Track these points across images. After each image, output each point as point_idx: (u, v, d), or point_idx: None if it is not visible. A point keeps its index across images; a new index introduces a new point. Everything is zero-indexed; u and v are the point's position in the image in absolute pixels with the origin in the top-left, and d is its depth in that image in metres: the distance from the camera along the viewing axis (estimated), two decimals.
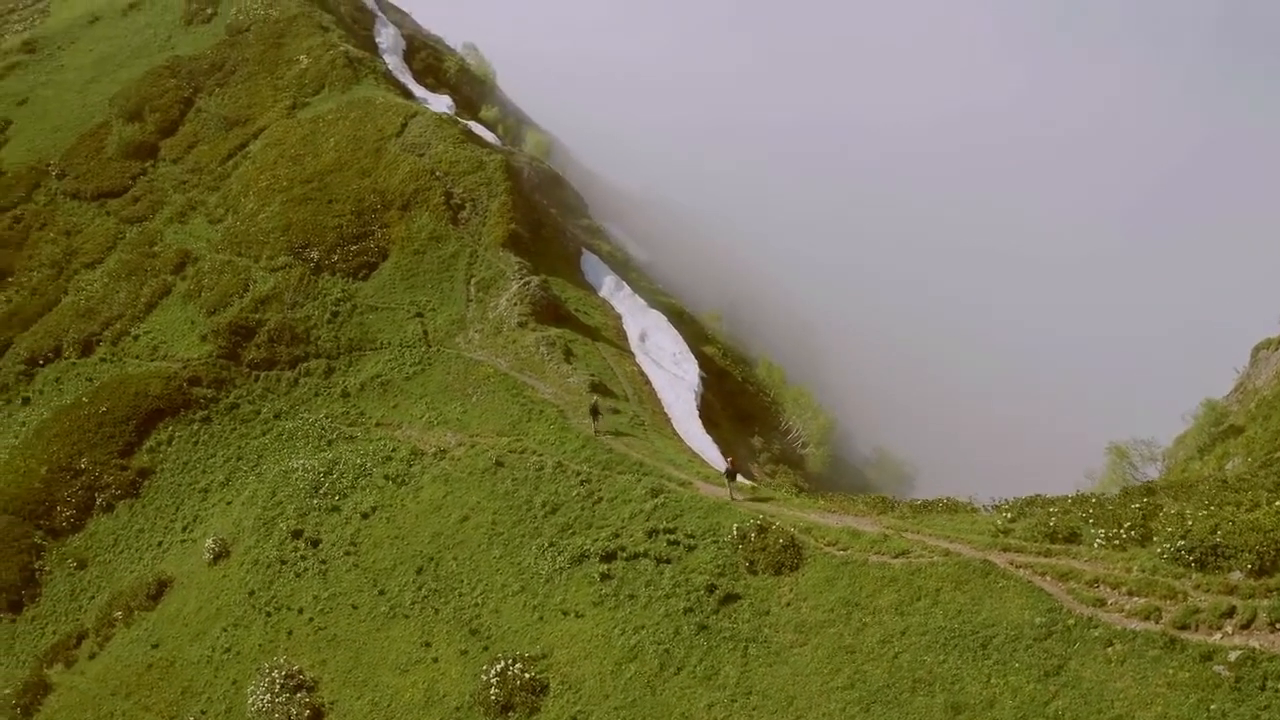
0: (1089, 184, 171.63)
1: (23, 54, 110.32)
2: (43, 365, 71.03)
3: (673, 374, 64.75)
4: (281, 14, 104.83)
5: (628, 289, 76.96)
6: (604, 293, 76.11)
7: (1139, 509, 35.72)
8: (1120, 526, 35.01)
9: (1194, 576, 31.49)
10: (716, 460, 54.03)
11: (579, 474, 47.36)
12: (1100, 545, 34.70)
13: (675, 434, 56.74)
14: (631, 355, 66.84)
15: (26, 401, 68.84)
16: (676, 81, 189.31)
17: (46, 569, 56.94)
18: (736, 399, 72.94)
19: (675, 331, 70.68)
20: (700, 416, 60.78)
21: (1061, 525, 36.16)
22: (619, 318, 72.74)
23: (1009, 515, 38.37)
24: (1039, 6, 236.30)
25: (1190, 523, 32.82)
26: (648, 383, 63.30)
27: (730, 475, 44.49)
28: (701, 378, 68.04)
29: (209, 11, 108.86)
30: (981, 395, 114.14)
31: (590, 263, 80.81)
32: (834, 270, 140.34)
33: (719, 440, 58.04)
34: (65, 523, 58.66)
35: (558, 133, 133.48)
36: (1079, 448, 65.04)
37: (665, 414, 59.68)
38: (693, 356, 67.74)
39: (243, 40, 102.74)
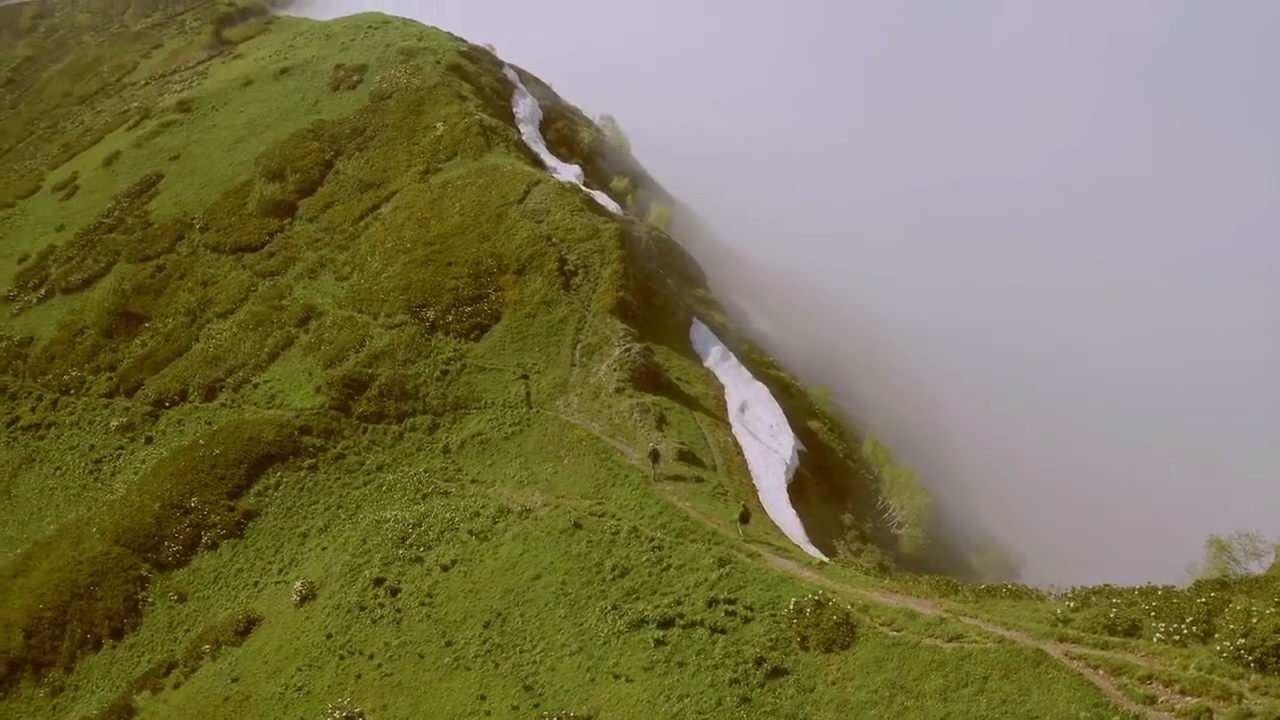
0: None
1: (178, 113, 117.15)
2: (168, 407, 74.61)
3: (767, 446, 64.73)
4: (423, 83, 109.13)
5: (734, 360, 77.25)
6: (709, 363, 76.56)
7: (1204, 604, 34.68)
8: (1182, 621, 34.05)
9: (1252, 678, 30.49)
10: (797, 534, 54.01)
11: (652, 540, 47.82)
12: (1159, 640, 33.80)
13: (759, 506, 56.78)
14: (728, 426, 67.07)
15: (149, 440, 72.36)
16: (805, 154, 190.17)
17: (149, 600, 59.45)
18: (834, 475, 72.46)
19: (775, 404, 70.67)
20: (789, 491, 60.66)
21: (1122, 617, 35.29)
22: (721, 388, 73.04)
23: (1071, 604, 37.60)
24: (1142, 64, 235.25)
25: (1255, 620, 31.81)
26: (740, 453, 63.44)
27: (744, 519, 49.12)
28: (800, 452, 67.90)
29: (355, 79, 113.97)
30: (1104, 478, 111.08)
31: (700, 333, 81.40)
32: (962, 342, 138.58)
33: (803, 514, 57.84)
34: (171, 557, 61.20)
35: (692, 205, 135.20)
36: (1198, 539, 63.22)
37: (753, 485, 59.73)
38: (789, 430, 67.60)
39: (384, 107, 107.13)
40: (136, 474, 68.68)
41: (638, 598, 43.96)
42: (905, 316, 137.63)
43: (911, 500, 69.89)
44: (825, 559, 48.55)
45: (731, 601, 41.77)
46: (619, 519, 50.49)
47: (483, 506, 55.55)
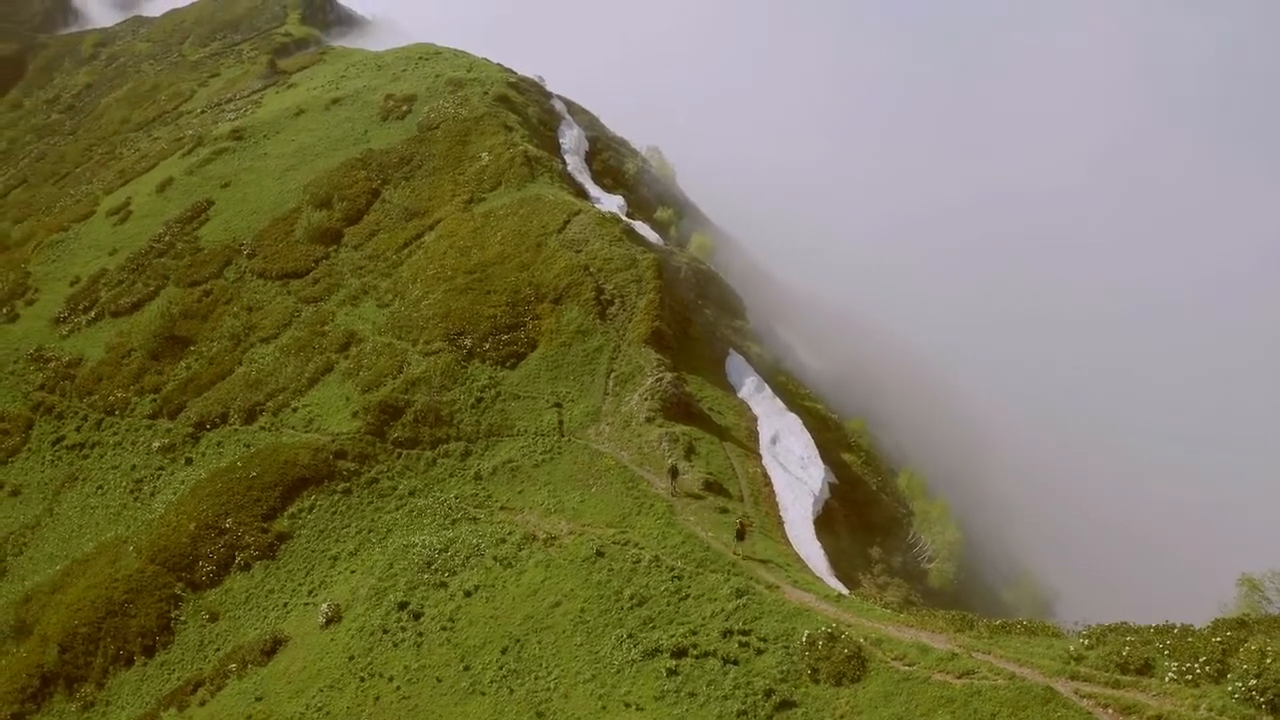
0: None
1: (231, 140, 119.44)
2: (209, 429, 75.83)
3: (796, 478, 64.68)
4: (470, 113, 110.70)
5: (768, 391, 77.34)
6: (743, 393, 76.70)
7: (1220, 643, 34.29)
8: (1196, 660, 33.67)
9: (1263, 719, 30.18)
10: (820, 567, 53.95)
11: (672, 569, 47.97)
12: (1172, 679, 33.42)
13: (784, 538, 56.78)
14: (758, 457, 67.12)
15: (189, 462, 73.55)
16: (849, 180, 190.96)
17: (182, 619, 60.31)
18: (866, 508, 72.18)
19: (808, 436, 70.63)
20: (818, 523, 60.58)
21: (1135, 655, 34.97)
22: (755, 419, 73.10)
23: (1085, 641, 37.28)
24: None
25: (1269, 661, 31.46)
26: (769, 485, 63.43)
27: (740, 535, 49.74)
28: (831, 484, 67.83)
29: (404, 109, 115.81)
30: (1148, 506, 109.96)
31: (735, 363, 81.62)
32: (1008, 367, 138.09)
33: (829, 547, 57.75)
34: (205, 577, 62.08)
35: (739, 235, 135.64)
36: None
37: (780, 517, 59.71)
38: (820, 462, 67.51)
39: (432, 137, 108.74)
40: (175, 494, 69.83)
41: (654, 626, 44.10)
42: (949, 343, 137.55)
43: (942, 534, 69.45)
44: (844, 592, 48.43)
45: (746, 632, 41.80)
46: (641, 548, 50.71)
47: (509, 533, 55.93)
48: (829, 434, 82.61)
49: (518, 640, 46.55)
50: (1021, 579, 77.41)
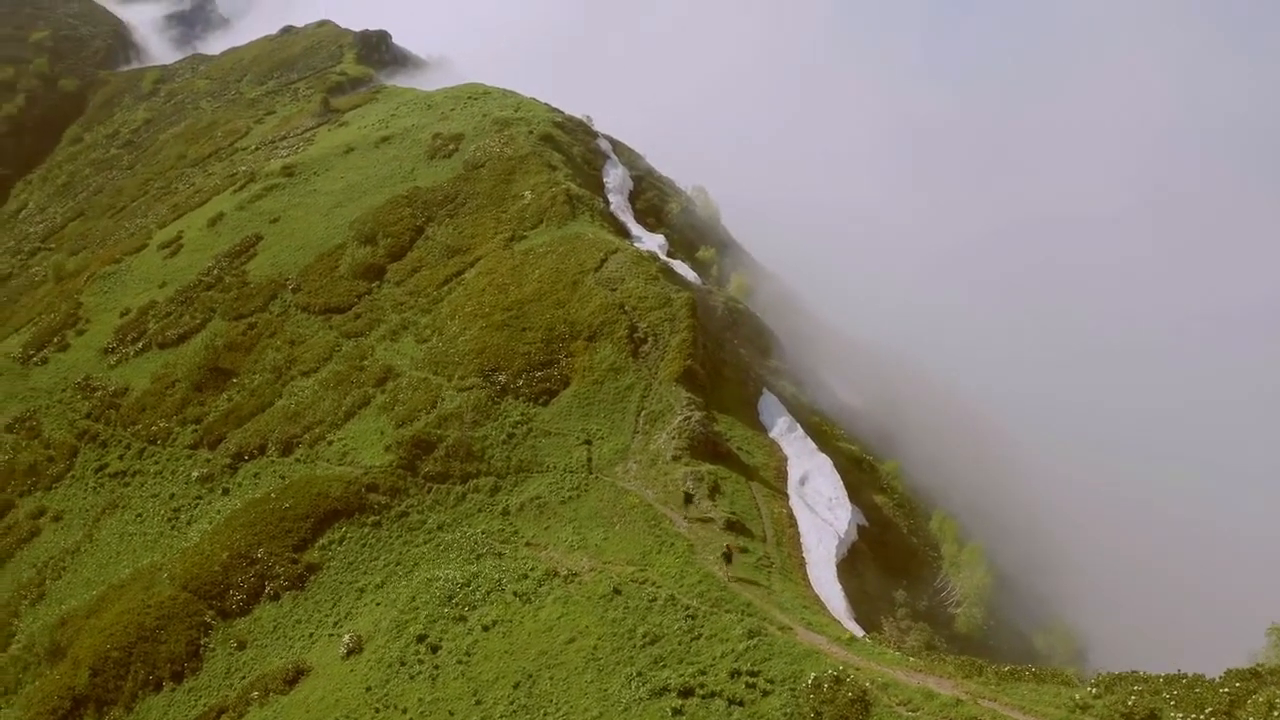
0: None
1: (282, 177, 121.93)
2: (247, 460, 77.19)
3: (822, 519, 64.63)
4: (515, 152, 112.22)
5: (800, 431, 77.35)
6: (774, 433, 76.77)
7: (1228, 693, 34.10)
8: (1201, 711, 33.52)
9: None
10: (839, 609, 53.85)
11: (687, 609, 48.19)
12: None
13: (804, 579, 56.71)
14: (785, 497, 67.14)
15: (226, 492, 74.91)
16: (892, 224, 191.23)
17: (211, 646, 61.25)
18: (894, 551, 71.87)
19: (837, 477, 70.56)
20: (842, 565, 60.44)
21: (1141, 705, 34.81)
22: (784, 459, 73.11)
23: (1094, 690, 37.13)
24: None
25: (1276, 713, 31.30)
26: (794, 525, 63.38)
27: (727, 558, 52.93)
28: (860, 526, 67.75)
29: (451, 148, 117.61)
30: (1192, 547, 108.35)
31: (768, 403, 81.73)
32: (1049, 406, 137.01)
33: (851, 589, 57.60)
34: (235, 606, 63.07)
35: (784, 274, 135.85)
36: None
37: (801, 558, 59.64)
38: (848, 504, 67.39)
39: (476, 175, 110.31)
40: (211, 524, 71.06)
41: (664, 665, 44.30)
42: (992, 380, 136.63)
43: (970, 578, 68.98)
44: (857, 635, 48.32)
45: (754, 674, 41.88)
46: (659, 586, 50.99)
47: (531, 569, 56.40)
48: (862, 475, 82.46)
49: (530, 676, 46.93)
50: (1054, 624, 76.55)
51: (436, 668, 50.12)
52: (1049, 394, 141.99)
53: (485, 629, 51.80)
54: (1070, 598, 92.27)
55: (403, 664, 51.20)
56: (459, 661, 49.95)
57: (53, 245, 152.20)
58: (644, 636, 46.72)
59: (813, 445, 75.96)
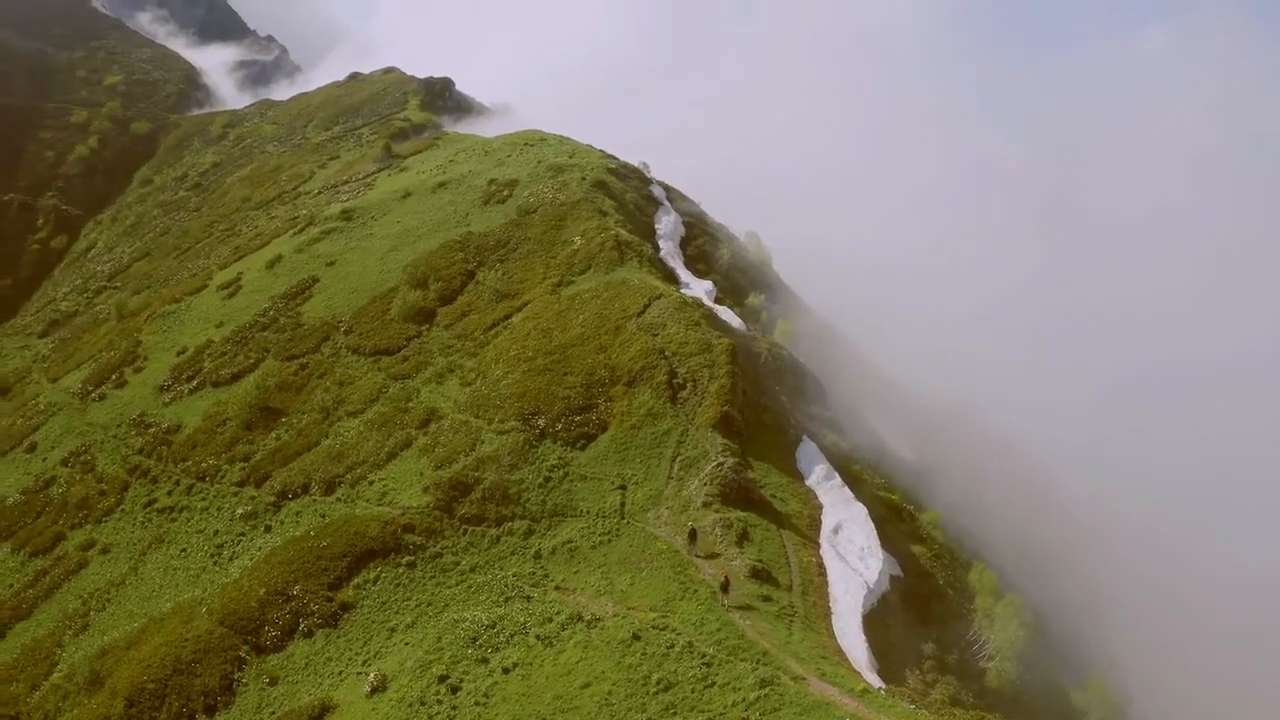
0: None
1: (340, 220, 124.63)
2: (290, 499, 78.54)
3: (853, 569, 64.37)
4: (567, 198, 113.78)
5: (837, 480, 77.08)
6: (811, 481, 76.57)
7: None
8: None
9: None
10: (861, 660, 53.60)
11: (704, 656, 48.29)
12: None
13: (827, 629, 56.51)
14: (816, 546, 66.96)
15: (268, 529, 76.25)
16: (947, 271, 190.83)
17: (244, 681, 62.25)
18: (928, 602, 71.27)
19: (871, 527, 70.22)
20: (871, 615, 60.11)
21: None
22: (819, 507, 72.91)
23: None
24: None
25: None
26: (823, 574, 63.17)
27: (724, 588, 54.69)
28: (893, 576, 67.40)
29: (505, 194, 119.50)
30: (1243, 598, 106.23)
31: (807, 451, 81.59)
32: (1109, 452, 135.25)
33: (878, 641, 57.26)
34: (269, 642, 64.10)
35: (836, 320, 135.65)
36: None
37: (827, 608, 59.41)
38: (880, 554, 67.04)
39: (528, 220, 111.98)
40: (250, 560, 72.38)
41: (675, 713, 44.45)
42: (1046, 426, 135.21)
43: (1004, 631, 68.16)
44: (874, 686, 48.08)
45: None
46: (678, 633, 51.14)
47: (557, 612, 56.85)
48: (901, 525, 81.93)
49: (544, 719, 47.29)
50: (1092, 680, 75.24)
51: (454, 709, 50.66)
52: (1109, 436, 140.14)
53: (505, 671, 52.31)
54: (1118, 640, 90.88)
55: (423, 704, 51.81)
56: (476, 703, 50.46)
57: (118, 284, 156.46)
58: (658, 683, 46.91)
59: (849, 494, 75.61)
